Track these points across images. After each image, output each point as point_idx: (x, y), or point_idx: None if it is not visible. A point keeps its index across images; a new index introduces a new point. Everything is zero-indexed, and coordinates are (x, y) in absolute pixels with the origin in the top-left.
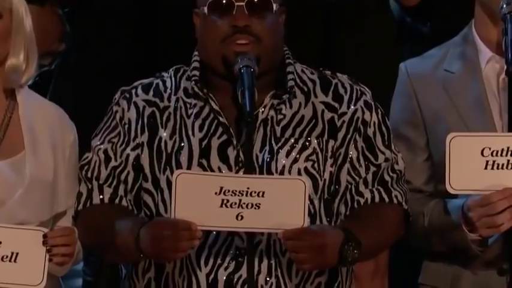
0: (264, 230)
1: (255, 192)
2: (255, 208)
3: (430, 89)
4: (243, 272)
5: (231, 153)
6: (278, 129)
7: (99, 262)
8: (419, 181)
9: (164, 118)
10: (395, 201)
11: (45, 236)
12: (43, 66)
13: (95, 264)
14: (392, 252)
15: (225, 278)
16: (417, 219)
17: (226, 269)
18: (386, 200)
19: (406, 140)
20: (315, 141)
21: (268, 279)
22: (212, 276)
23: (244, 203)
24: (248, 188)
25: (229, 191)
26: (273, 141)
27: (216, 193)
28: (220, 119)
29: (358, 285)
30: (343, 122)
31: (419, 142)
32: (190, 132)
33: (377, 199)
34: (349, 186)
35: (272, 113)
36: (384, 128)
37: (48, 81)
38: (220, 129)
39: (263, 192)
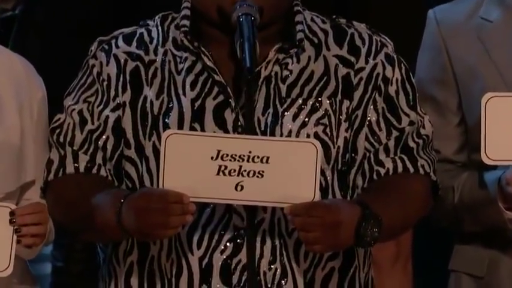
0: (267, 204)
1: (258, 157)
2: (257, 177)
3: (463, 40)
4: (243, 256)
5: (229, 116)
6: (283, 88)
7: (70, 245)
8: (450, 150)
9: (150, 74)
10: (421, 171)
11: (12, 213)
12: (5, 10)
13: (66, 248)
14: (416, 233)
15: (221, 262)
16: (446, 194)
17: (222, 252)
18: (411, 170)
19: (434, 102)
20: (327, 101)
21: (272, 265)
22: (206, 260)
23: (245, 170)
24: (250, 152)
25: (227, 155)
26: (277, 102)
27: (212, 158)
28: (216, 77)
29: (377, 271)
30: (361, 79)
31: (449, 104)
32: (180, 91)
33: (400, 169)
34: (368, 154)
35: (277, 69)
36: (408, 86)
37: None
38: (216, 89)
39: (267, 158)
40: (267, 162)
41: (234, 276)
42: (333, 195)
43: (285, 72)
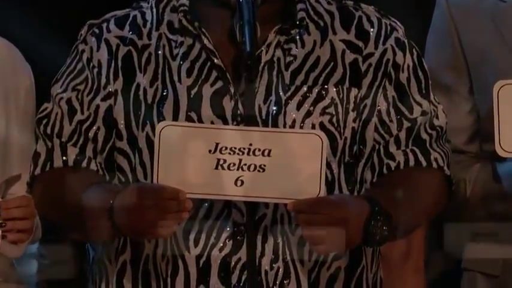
0: (269, 200)
1: (259, 150)
2: (258, 171)
3: (475, 22)
4: (242, 253)
5: (227, 104)
6: (287, 75)
7: (59, 241)
8: (461, 139)
9: (143, 60)
10: (434, 165)
11: None
12: None
13: (54, 244)
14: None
15: (219, 261)
16: (458, 187)
17: (221, 249)
18: (424, 163)
19: (445, 88)
20: (334, 89)
21: (273, 264)
22: (204, 259)
23: (245, 164)
24: (251, 145)
25: (226, 148)
26: (280, 90)
27: (210, 151)
28: (215, 60)
29: (387, 270)
30: (369, 65)
31: (460, 90)
32: (175, 78)
33: (412, 162)
34: (377, 146)
35: (279, 53)
36: (420, 73)
37: None
38: (214, 74)
39: (269, 151)
40: (268, 155)
41: (233, 275)
42: (339, 190)
43: (288, 58)
